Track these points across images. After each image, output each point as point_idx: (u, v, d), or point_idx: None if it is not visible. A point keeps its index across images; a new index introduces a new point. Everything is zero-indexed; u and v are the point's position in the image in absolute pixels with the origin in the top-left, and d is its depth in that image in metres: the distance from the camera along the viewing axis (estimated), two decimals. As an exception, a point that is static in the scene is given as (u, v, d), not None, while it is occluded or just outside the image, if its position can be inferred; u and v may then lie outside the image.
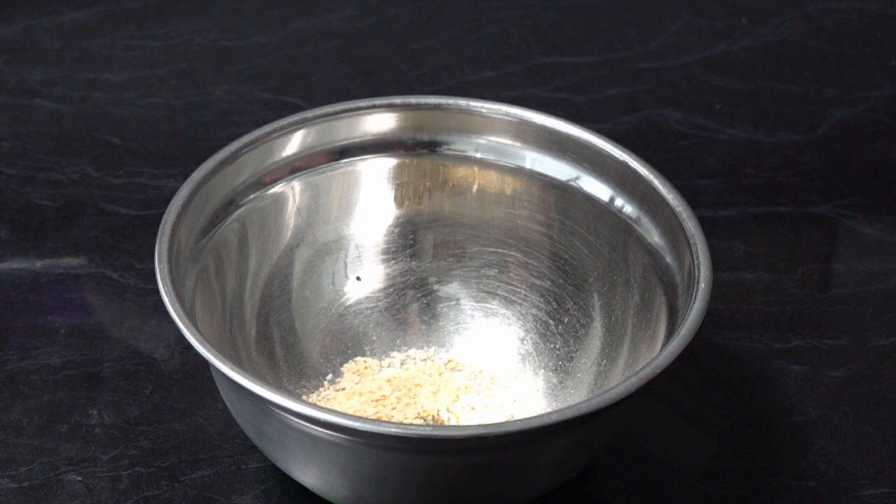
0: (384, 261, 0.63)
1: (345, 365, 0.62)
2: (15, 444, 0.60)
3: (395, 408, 0.60)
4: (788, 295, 0.69)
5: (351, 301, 0.63)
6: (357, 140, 0.62)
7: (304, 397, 0.60)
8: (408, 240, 0.63)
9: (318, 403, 0.60)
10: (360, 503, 0.53)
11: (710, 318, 0.52)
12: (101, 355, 0.64)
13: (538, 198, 0.62)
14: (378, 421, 0.56)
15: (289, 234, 0.61)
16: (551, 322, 0.62)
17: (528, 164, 0.62)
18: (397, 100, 0.61)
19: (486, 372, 0.62)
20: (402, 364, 0.62)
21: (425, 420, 0.59)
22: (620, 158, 0.59)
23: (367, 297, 0.63)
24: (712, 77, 0.83)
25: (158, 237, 0.54)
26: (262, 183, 0.60)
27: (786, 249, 0.72)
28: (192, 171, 0.57)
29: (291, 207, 0.61)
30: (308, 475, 0.53)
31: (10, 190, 0.74)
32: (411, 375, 0.62)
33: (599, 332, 0.60)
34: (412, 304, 0.63)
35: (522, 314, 0.62)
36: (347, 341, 0.62)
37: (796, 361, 0.65)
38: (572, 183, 0.61)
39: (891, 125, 0.81)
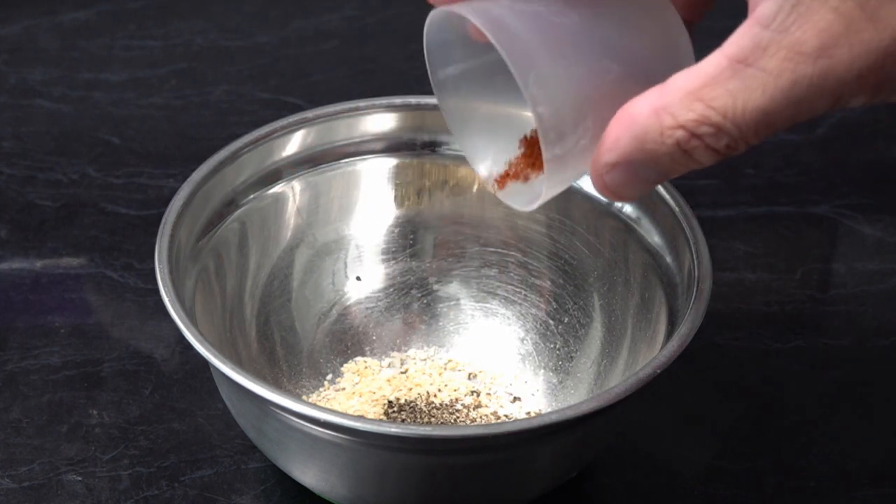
0: (384, 261, 0.63)
1: (345, 365, 0.62)
2: (15, 444, 0.60)
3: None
4: (788, 295, 0.69)
5: (351, 301, 0.63)
6: (357, 140, 0.62)
7: (304, 397, 0.60)
8: (408, 240, 0.63)
9: (318, 403, 0.60)
10: (360, 503, 0.53)
11: (710, 318, 0.52)
12: (101, 355, 0.64)
13: (538, 198, 0.62)
14: (378, 421, 0.56)
15: (289, 234, 0.61)
16: (551, 322, 0.62)
17: (528, 164, 0.62)
18: (397, 100, 0.61)
19: (486, 372, 0.62)
20: (402, 364, 0.62)
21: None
22: (620, 158, 0.59)
23: (367, 297, 0.63)
24: (712, 77, 0.83)
25: (158, 237, 0.54)
26: (262, 183, 0.60)
27: (786, 249, 0.72)
28: (192, 171, 0.57)
29: (291, 207, 0.61)
30: (308, 475, 0.53)
31: (10, 190, 0.74)
32: (411, 375, 0.62)
33: (599, 332, 0.60)
34: (412, 304, 0.63)
35: (522, 314, 0.62)
36: (347, 341, 0.62)
37: (796, 361, 0.65)
38: (572, 183, 0.61)
39: (891, 125, 0.81)
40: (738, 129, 0.35)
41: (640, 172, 0.37)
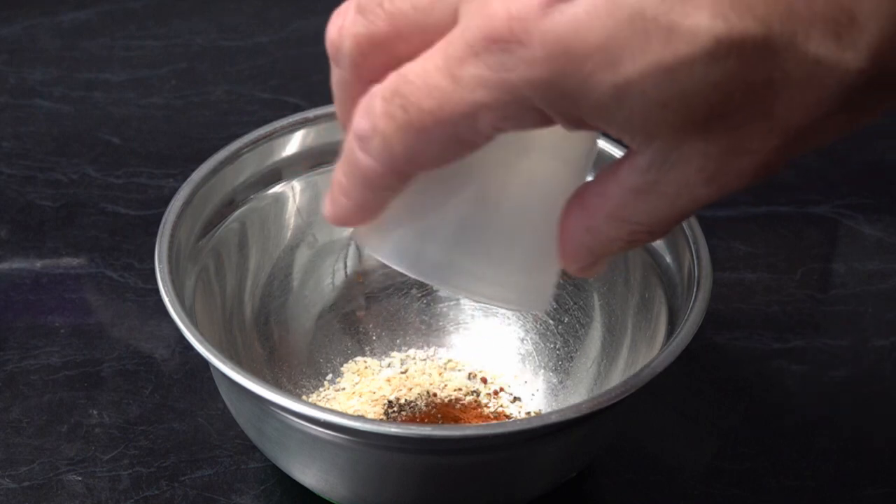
0: (384, 261, 0.63)
1: (345, 365, 0.62)
2: (15, 444, 0.60)
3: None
4: (788, 295, 0.69)
5: (351, 301, 0.63)
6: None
7: (304, 397, 0.60)
8: (408, 240, 0.63)
9: (318, 403, 0.60)
10: (360, 503, 0.53)
11: (710, 318, 0.52)
12: (101, 355, 0.64)
13: (538, 198, 0.62)
14: (378, 421, 0.56)
15: (289, 234, 0.61)
16: (551, 322, 0.62)
17: (528, 164, 0.62)
18: (397, 100, 0.61)
19: (486, 372, 0.62)
20: (402, 364, 0.62)
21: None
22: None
23: (367, 298, 0.63)
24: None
25: (158, 237, 0.54)
26: (262, 183, 0.60)
27: (786, 249, 0.72)
28: (192, 171, 0.57)
29: (291, 207, 0.61)
30: (308, 475, 0.53)
31: (10, 190, 0.74)
32: (411, 375, 0.62)
33: (599, 332, 0.60)
34: (412, 304, 0.63)
35: (522, 314, 0.62)
36: (347, 341, 0.62)
37: (796, 361, 0.65)
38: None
39: (891, 125, 0.81)
40: (666, 228, 0.38)
41: (605, 261, 0.40)
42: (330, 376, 0.61)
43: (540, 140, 0.40)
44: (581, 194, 0.38)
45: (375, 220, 0.41)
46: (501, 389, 0.61)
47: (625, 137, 0.36)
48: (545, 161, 0.41)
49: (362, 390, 0.61)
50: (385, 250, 0.42)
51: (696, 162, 0.35)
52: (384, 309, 0.63)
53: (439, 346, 0.63)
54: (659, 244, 0.57)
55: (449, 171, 0.39)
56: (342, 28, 0.38)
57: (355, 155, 0.39)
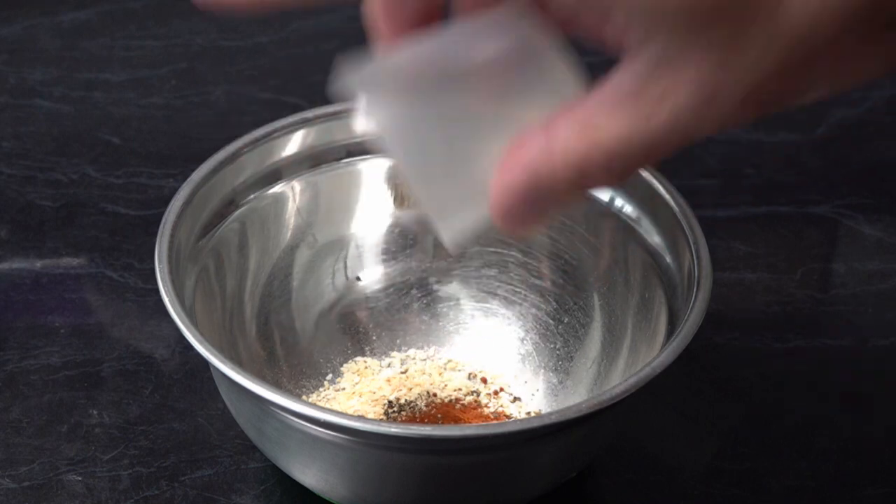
0: (384, 261, 0.63)
1: (345, 365, 0.62)
2: (15, 444, 0.60)
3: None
4: (788, 295, 0.69)
5: (351, 301, 0.63)
6: (357, 140, 0.62)
7: (304, 397, 0.60)
8: (408, 240, 0.63)
9: (318, 403, 0.60)
10: (360, 503, 0.53)
11: (710, 318, 0.52)
12: (101, 355, 0.64)
13: (538, 198, 0.62)
14: (378, 421, 0.56)
15: (289, 234, 0.61)
16: (551, 322, 0.62)
17: (528, 164, 0.61)
18: (397, 100, 0.61)
19: (487, 372, 0.62)
20: (402, 364, 0.62)
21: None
22: (620, 158, 0.59)
23: (367, 297, 0.63)
24: (712, 77, 0.83)
25: (158, 237, 0.54)
26: (262, 183, 0.60)
27: (786, 249, 0.72)
28: (192, 171, 0.57)
29: (291, 207, 0.61)
30: (308, 475, 0.53)
31: (10, 190, 0.74)
32: (411, 375, 0.62)
33: (599, 332, 0.60)
34: (412, 304, 0.63)
35: (522, 314, 0.62)
36: (347, 341, 0.62)
37: (796, 361, 0.65)
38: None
39: (891, 125, 0.81)
40: (625, 160, 0.36)
41: (538, 219, 0.38)
42: (330, 376, 0.61)
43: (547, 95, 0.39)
44: (551, 116, 0.37)
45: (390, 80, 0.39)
46: (501, 389, 0.61)
47: (623, 33, 0.35)
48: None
49: (362, 390, 0.61)
50: (379, 115, 0.40)
51: (687, 72, 0.34)
52: (384, 309, 0.63)
53: (439, 346, 0.63)
54: (659, 244, 0.57)
55: (462, 91, 0.38)
56: None
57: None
